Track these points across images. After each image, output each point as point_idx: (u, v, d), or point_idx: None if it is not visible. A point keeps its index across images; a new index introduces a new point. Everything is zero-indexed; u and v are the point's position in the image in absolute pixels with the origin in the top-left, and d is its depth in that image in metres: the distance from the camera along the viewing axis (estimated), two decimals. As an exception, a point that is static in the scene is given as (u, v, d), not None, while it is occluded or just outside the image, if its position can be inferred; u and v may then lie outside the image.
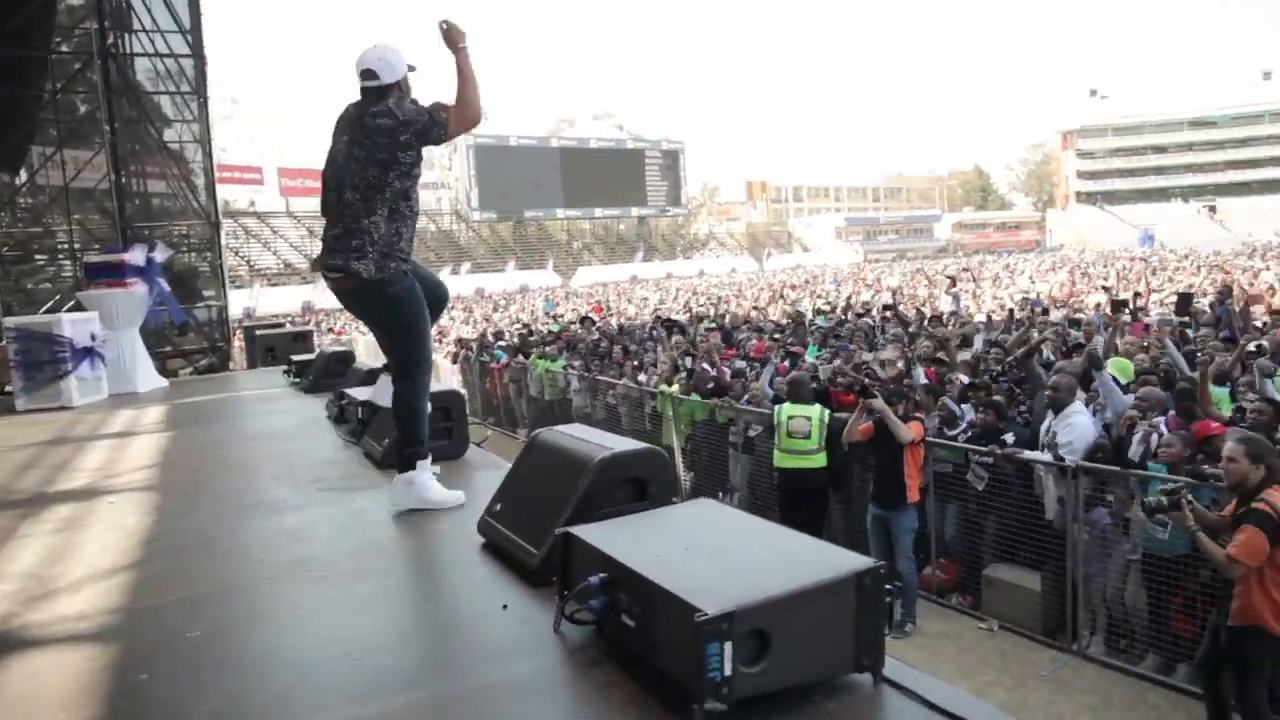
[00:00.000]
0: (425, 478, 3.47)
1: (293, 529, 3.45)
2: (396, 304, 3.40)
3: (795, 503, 7.79)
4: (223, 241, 11.91)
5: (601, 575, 1.93)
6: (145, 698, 2.07)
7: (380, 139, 3.26)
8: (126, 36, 10.85)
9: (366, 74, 3.35)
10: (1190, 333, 9.91)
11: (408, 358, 3.50)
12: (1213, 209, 79.47)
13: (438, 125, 3.29)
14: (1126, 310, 12.56)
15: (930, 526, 7.36)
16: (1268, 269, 23.18)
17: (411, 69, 3.43)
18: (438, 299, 3.78)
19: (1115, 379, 7.35)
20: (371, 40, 3.58)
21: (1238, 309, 10.38)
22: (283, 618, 2.62)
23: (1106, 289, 17.30)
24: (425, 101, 3.37)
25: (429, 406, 3.56)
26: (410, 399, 3.49)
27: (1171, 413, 6.44)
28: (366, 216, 3.30)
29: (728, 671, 1.60)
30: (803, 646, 1.71)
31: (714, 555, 1.96)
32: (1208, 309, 11.60)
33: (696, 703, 1.61)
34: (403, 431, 3.51)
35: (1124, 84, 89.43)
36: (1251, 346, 7.25)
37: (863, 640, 1.78)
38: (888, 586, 1.80)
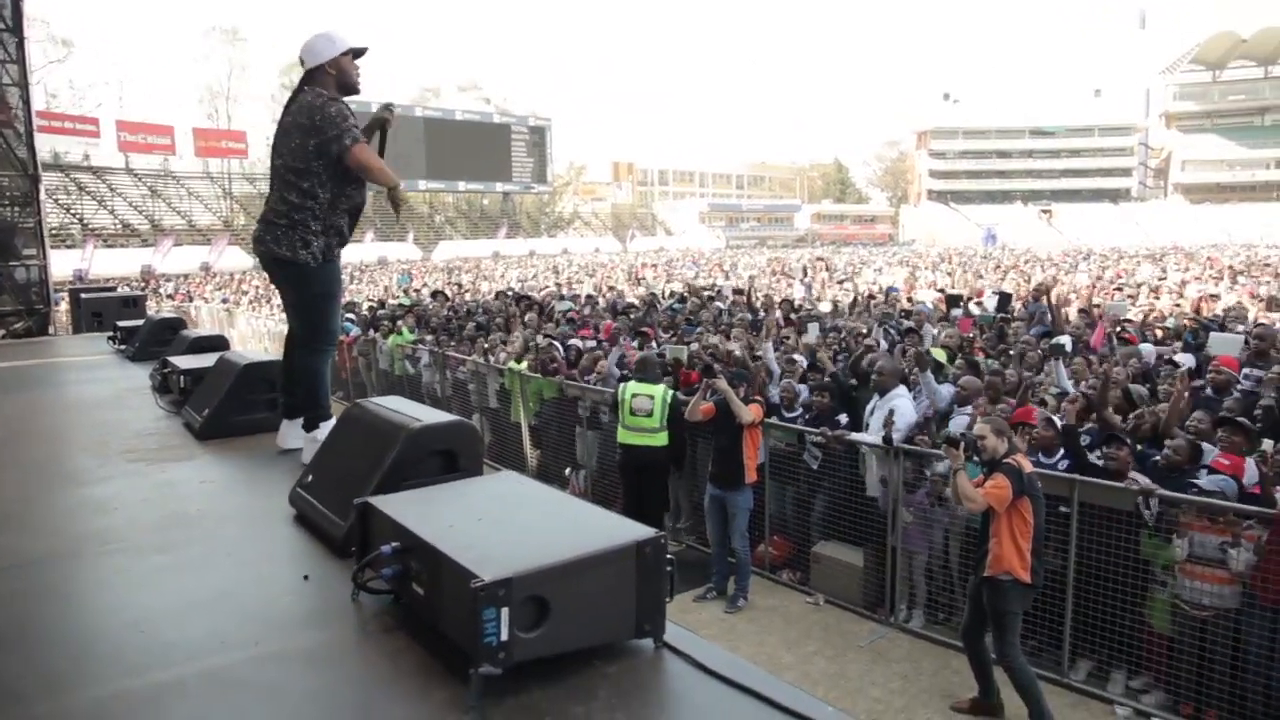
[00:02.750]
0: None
1: (96, 501, 3.29)
2: (317, 279, 3.60)
3: (638, 479, 7.95)
4: (43, 196, 11.06)
5: (394, 544, 1.94)
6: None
7: (295, 138, 3.44)
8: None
9: (301, 62, 3.54)
10: (1007, 328, 10.72)
11: (322, 329, 3.73)
12: (1048, 213, 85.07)
13: (342, 138, 3.40)
14: (960, 306, 13.41)
15: (767, 505, 7.65)
16: (1088, 272, 25.01)
17: (357, 53, 3.56)
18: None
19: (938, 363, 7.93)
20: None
21: (1052, 307, 11.24)
22: (71, 592, 2.50)
23: (941, 290, 18.37)
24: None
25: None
26: (319, 367, 3.78)
27: (983, 399, 6.90)
28: (301, 206, 3.50)
29: (504, 636, 1.63)
30: (583, 612, 1.77)
31: (503, 525, 1.99)
32: (1023, 306, 12.57)
33: (473, 667, 1.64)
34: (310, 397, 3.74)
35: (975, 90, 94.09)
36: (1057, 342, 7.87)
37: (644, 607, 1.84)
38: (669, 556, 1.88)
